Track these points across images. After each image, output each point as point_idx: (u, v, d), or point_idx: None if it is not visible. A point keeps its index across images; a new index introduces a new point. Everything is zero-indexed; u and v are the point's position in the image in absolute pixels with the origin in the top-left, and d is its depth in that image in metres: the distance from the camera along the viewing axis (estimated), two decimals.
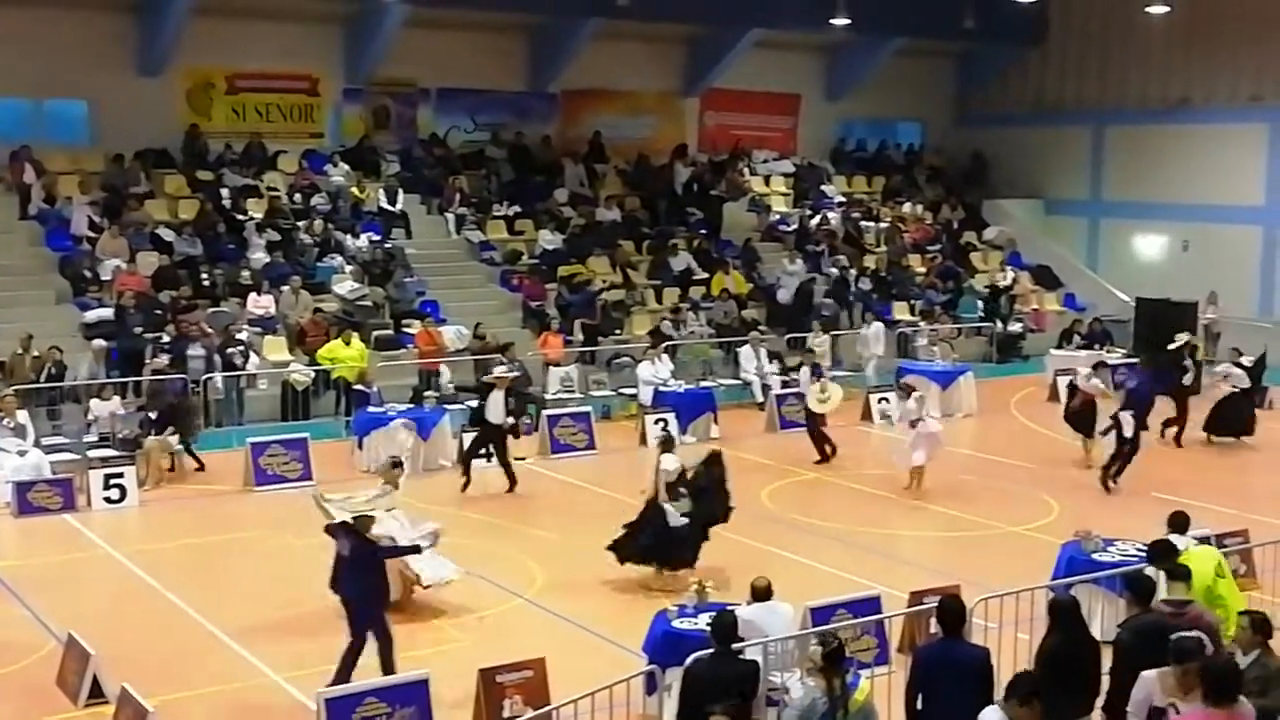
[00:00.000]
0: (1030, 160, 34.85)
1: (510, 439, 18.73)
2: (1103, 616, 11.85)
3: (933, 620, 9.57)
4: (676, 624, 10.84)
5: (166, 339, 21.93)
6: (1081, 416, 20.04)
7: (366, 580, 11.39)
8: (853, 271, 30.09)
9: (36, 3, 25.29)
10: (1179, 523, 11.96)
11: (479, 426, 18.65)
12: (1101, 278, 32.75)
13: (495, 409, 18.30)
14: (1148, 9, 29.54)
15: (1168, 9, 29.53)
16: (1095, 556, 12.74)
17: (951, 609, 8.94)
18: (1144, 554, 12.27)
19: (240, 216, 26.20)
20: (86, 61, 25.81)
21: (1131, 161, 32.91)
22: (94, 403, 20.07)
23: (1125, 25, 32.12)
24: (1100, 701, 9.04)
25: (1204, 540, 11.92)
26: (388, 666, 11.16)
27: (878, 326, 26.16)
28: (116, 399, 20.13)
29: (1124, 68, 32.81)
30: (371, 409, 20.50)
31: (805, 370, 21.35)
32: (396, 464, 14.22)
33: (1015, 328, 29.91)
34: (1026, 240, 33.73)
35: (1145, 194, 32.39)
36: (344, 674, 11.06)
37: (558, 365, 23.90)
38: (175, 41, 26.39)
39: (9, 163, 25.42)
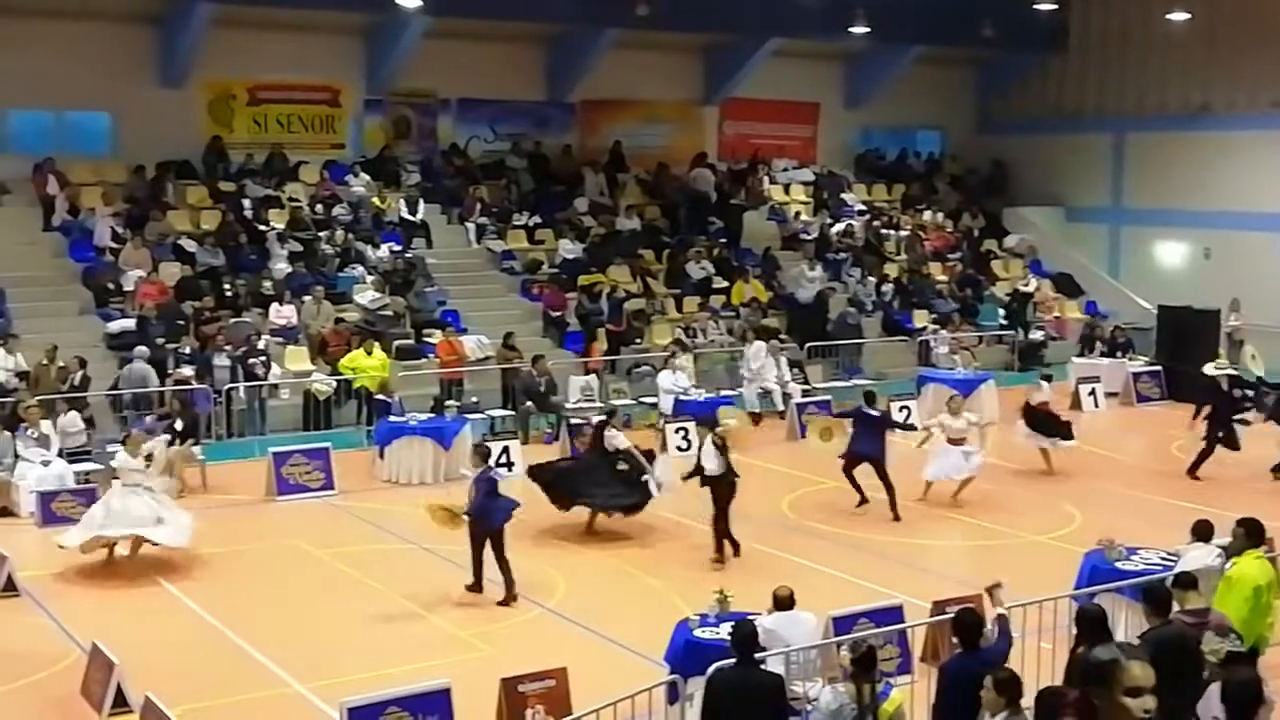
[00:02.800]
0: (1051, 168, 34.75)
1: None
2: (1126, 626, 11.78)
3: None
4: (698, 633, 10.81)
5: (187, 350, 22.03)
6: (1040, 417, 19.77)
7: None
8: (872, 279, 30.03)
9: (58, 16, 25.45)
10: (1203, 531, 11.90)
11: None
12: (1123, 285, 32.62)
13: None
14: (1168, 16, 29.45)
15: (1188, 16, 29.44)
16: (1118, 565, 12.68)
17: (967, 622, 8.90)
18: (1167, 563, 12.27)
19: (262, 227, 26.30)
20: (109, 74, 25.97)
21: (1152, 168, 32.78)
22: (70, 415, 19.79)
23: (1146, 32, 32.03)
24: None
25: (1223, 549, 11.84)
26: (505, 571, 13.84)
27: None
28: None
29: (1144, 74, 32.68)
30: (393, 418, 20.54)
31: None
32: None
33: (1037, 335, 29.81)
34: (1047, 248, 33.65)
35: (1166, 201, 32.25)
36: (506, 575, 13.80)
37: (578, 374, 23.94)
38: (197, 53, 26.53)
39: (33, 175, 25.62)
